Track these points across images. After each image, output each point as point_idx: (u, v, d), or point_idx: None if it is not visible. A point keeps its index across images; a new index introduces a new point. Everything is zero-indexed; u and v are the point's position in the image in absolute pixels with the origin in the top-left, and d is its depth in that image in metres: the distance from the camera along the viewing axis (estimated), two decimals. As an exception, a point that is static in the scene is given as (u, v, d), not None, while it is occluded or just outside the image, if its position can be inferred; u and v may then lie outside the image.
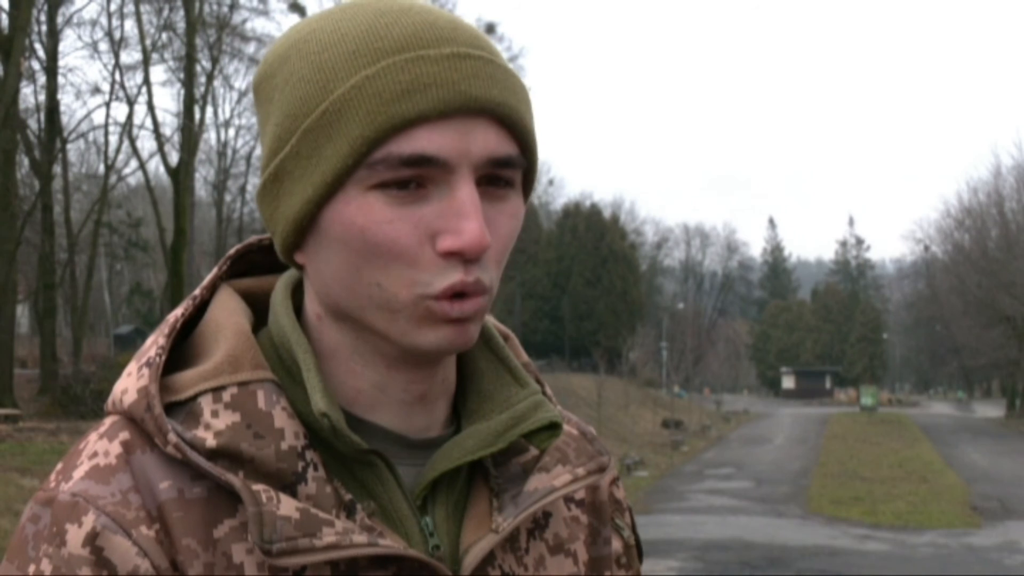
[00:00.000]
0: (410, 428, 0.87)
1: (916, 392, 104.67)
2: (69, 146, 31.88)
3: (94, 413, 20.40)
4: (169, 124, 48.58)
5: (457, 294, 0.78)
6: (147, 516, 0.77)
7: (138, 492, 0.78)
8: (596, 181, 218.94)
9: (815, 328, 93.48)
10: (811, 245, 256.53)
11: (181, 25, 29.91)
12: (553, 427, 0.87)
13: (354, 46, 0.78)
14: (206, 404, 0.80)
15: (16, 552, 0.78)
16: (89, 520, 0.76)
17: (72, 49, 75.05)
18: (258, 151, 39.25)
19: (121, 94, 29.66)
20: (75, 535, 0.76)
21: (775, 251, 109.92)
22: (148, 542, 0.77)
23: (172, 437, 0.78)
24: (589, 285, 60.63)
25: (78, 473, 0.80)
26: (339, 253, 0.80)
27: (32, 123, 27.55)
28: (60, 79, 27.04)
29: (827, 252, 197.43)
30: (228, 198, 41.98)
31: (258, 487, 0.77)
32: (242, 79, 39.44)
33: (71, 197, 32.80)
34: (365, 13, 0.80)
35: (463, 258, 0.78)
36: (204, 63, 31.76)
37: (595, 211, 64.00)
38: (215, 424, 0.79)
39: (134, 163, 33.94)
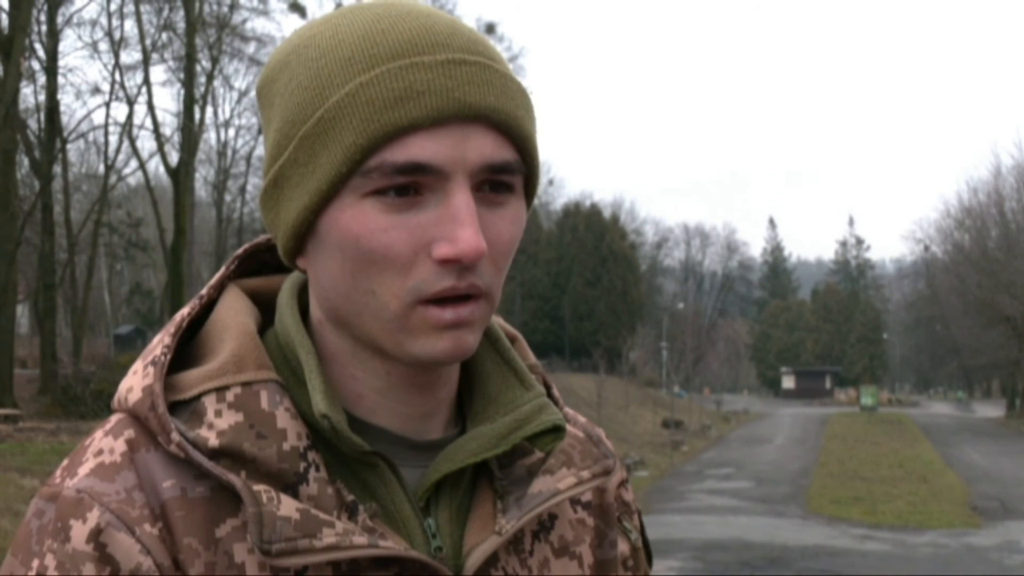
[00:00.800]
0: (413, 430, 0.87)
1: (916, 392, 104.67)
2: (69, 146, 31.86)
3: (94, 413, 20.40)
4: (169, 124, 48.60)
5: (450, 299, 0.78)
6: (150, 514, 0.78)
7: (142, 490, 0.78)
8: (596, 181, 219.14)
9: (815, 328, 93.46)
10: (811, 245, 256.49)
11: (181, 25, 29.92)
12: (557, 430, 0.87)
13: (350, 52, 0.78)
14: (210, 404, 0.80)
15: (20, 547, 0.79)
16: (93, 516, 0.76)
17: (72, 49, 75.04)
18: (258, 151, 39.36)
19: (121, 94, 29.68)
20: (79, 531, 0.76)
21: (775, 251, 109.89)
22: (151, 540, 0.77)
23: (175, 436, 0.78)
24: (589, 285, 60.61)
25: (83, 470, 0.80)
26: (336, 260, 0.80)
27: (32, 123, 27.54)
28: (60, 79, 27.03)
29: (827, 252, 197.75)
30: (228, 198, 41.98)
31: (259, 487, 0.77)
32: (242, 79, 39.45)
33: (71, 197, 32.79)
34: (364, 18, 0.80)
35: (458, 265, 0.77)
36: (204, 63, 31.78)
37: (595, 211, 63.97)
38: (218, 424, 0.79)
39: (134, 163, 33.97)
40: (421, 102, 0.76)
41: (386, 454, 0.84)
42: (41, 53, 26.42)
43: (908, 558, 12.40)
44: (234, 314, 0.87)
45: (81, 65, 74.89)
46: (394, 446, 0.86)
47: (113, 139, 33.47)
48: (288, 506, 0.77)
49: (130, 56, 40.04)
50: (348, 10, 0.82)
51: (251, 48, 34.34)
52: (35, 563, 0.76)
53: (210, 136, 39.88)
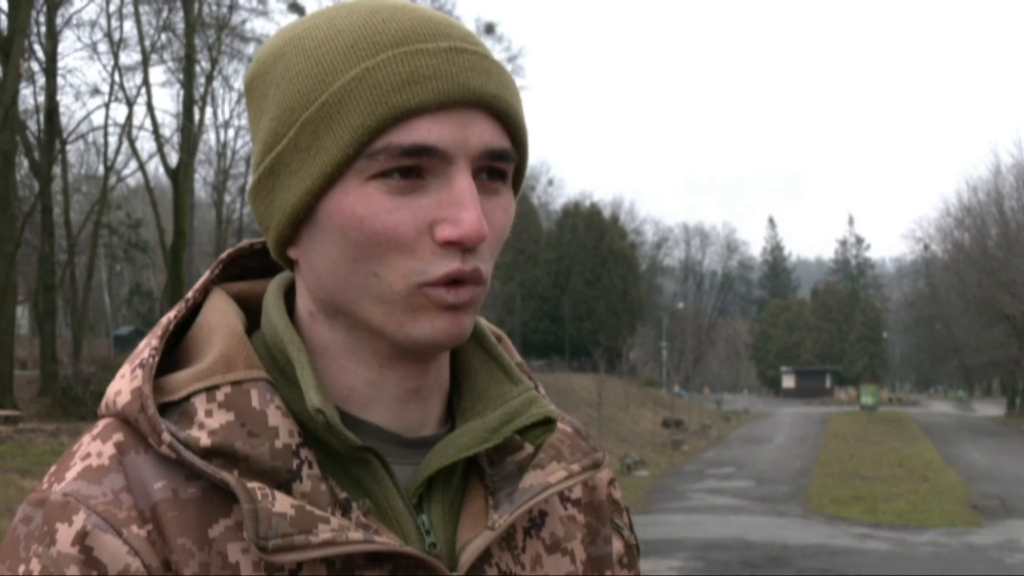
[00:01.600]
0: (404, 426, 0.87)
1: (916, 391, 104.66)
2: (68, 147, 31.92)
3: (94, 414, 20.05)
4: (169, 125, 48.61)
5: (454, 280, 0.79)
6: (139, 516, 0.77)
7: (130, 492, 0.78)
8: (596, 181, 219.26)
9: (815, 327, 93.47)
10: (811, 244, 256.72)
11: (180, 26, 29.91)
12: (547, 422, 0.87)
13: (352, 40, 0.80)
14: (200, 404, 0.80)
15: (7, 553, 0.78)
16: (79, 519, 0.76)
17: (71, 50, 75.08)
18: (258, 152, 39.19)
19: (120, 95, 29.69)
20: (65, 534, 0.76)
21: (775, 251, 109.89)
22: (139, 541, 0.77)
23: (166, 437, 0.78)
24: (589, 285, 60.62)
25: (71, 474, 0.80)
26: (336, 244, 0.80)
27: (31, 124, 27.57)
28: (59, 80, 27.05)
29: (827, 251, 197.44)
30: (228, 199, 41.96)
31: (253, 485, 0.77)
32: (242, 80, 39.39)
33: (71, 198, 32.82)
34: (360, 11, 0.82)
35: (462, 247, 0.79)
36: (203, 64, 31.77)
37: (595, 211, 63.98)
38: (209, 423, 0.79)
39: (134, 164, 34.00)
40: (428, 86, 0.78)
41: (378, 450, 0.84)
42: (40, 54, 26.43)
43: (908, 557, 12.40)
44: (221, 315, 0.87)
45: (80, 66, 74.67)
46: (386, 443, 0.86)
47: (113, 140, 33.56)
48: (283, 503, 0.77)
49: (129, 57, 40.18)
50: (340, 6, 0.83)
51: (251, 48, 34.28)
52: (21, 568, 0.76)
53: (210, 137, 39.92)
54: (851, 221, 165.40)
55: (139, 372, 0.82)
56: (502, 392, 0.89)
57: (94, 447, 0.82)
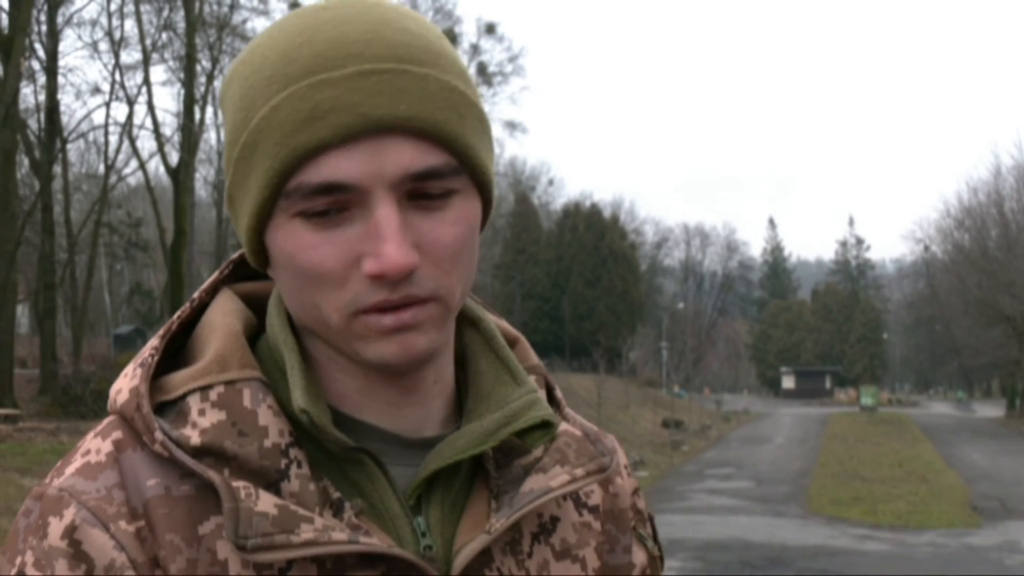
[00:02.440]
0: (403, 427, 0.87)
1: (916, 392, 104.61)
2: (69, 146, 31.90)
3: (94, 413, 20.40)
4: (169, 124, 48.65)
5: (386, 308, 0.78)
6: (130, 512, 0.79)
7: (123, 489, 0.80)
8: (596, 181, 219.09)
9: (815, 328, 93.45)
10: (811, 245, 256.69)
11: (181, 25, 29.93)
12: (546, 426, 0.86)
13: (271, 71, 0.78)
14: (194, 403, 0.81)
15: (10, 544, 0.80)
16: (70, 513, 0.78)
17: (72, 49, 74.98)
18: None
19: (121, 94, 29.70)
20: (55, 528, 0.78)
21: (775, 251, 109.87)
22: (126, 537, 0.78)
23: (158, 435, 0.79)
24: (589, 285, 60.61)
25: (70, 470, 0.82)
26: (284, 276, 0.82)
27: (32, 123, 27.57)
28: (60, 79, 27.05)
29: (827, 252, 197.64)
30: (228, 198, 41.93)
31: (239, 484, 0.78)
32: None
33: (71, 197, 32.82)
34: (288, 31, 0.80)
35: (386, 280, 0.77)
36: (204, 63, 31.77)
37: (595, 211, 63.97)
38: (201, 422, 0.80)
39: (134, 163, 33.99)
40: (328, 120, 0.75)
41: (376, 451, 0.84)
42: (41, 53, 26.45)
43: (908, 558, 12.39)
44: (222, 316, 0.88)
45: (81, 65, 75.07)
46: (385, 443, 0.86)
47: (113, 139, 33.60)
48: (266, 502, 0.77)
49: (130, 56, 40.13)
50: (284, 19, 0.82)
51: (249, 49, 34.29)
52: (19, 560, 0.78)
53: (210, 136, 39.89)
54: (851, 222, 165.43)
55: (139, 371, 0.84)
56: (505, 394, 0.88)
57: (95, 444, 0.83)
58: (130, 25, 29.92)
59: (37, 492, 0.82)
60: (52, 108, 26.12)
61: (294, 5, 32.18)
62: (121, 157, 34.70)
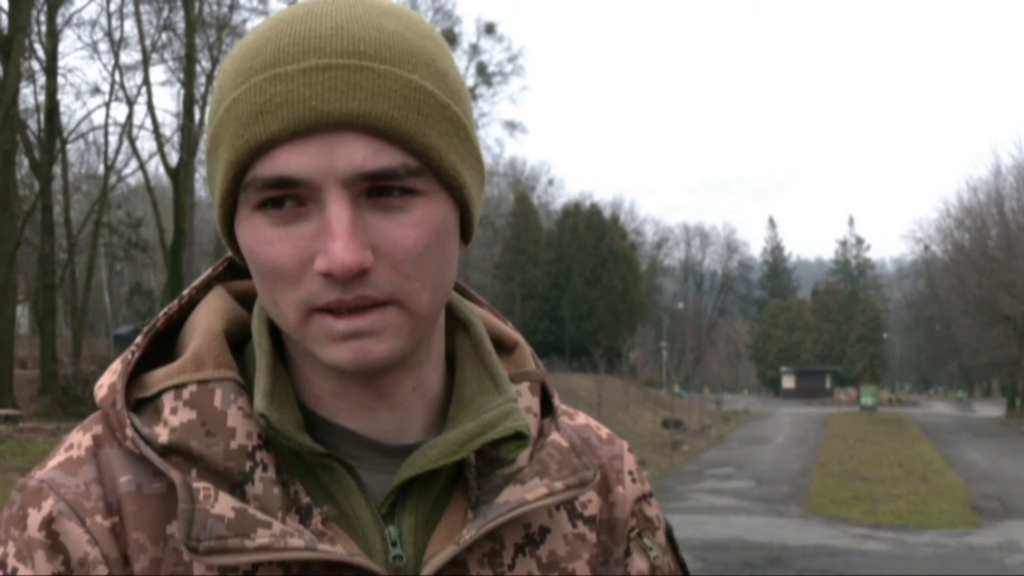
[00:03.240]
0: (380, 433, 0.85)
1: (916, 392, 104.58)
2: (69, 146, 31.91)
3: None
4: (169, 124, 48.58)
5: (340, 310, 0.77)
6: (105, 507, 0.80)
7: (100, 484, 0.81)
8: (596, 181, 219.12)
9: (815, 328, 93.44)
10: (811, 245, 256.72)
11: (181, 25, 29.92)
12: (520, 437, 0.84)
13: (237, 65, 0.79)
14: (168, 401, 0.82)
15: None
16: (48, 505, 0.79)
17: (72, 49, 74.96)
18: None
19: (121, 94, 29.71)
20: (34, 519, 0.79)
21: (775, 251, 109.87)
22: (101, 531, 0.78)
23: (129, 431, 0.80)
24: (589, 285, 60.60)
25: (52, 463, 0.83)
26: (252, 271, 0.81)
27: (32, 123, 27.59)
28: (60, 79, 27.07)
29: (827, 252, 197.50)
30: (228, 198, 41.92)
31: (200, 485, 0.77)
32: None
33: (71, 197, 32.82)
34: (266, 25, 0.80)
35: (336, 279, 0.75)
36: (204, 63, 31.75)
37: (595, 211, 63.96)
38: (171, 421, 0.80)
39: (134, 163, 33.99)
40: (279, 115, 0.74)
41: (352, 456, 0.83)
42: (41, 53, 26.46)
43: (908, 558, 12.39)
44: (205, 314, 0.87)
45: (81, 65, 75.18)
46: (361, 449, 0.84)
47: (113, 139, 33.60)
48: (224, 505, 0.77)
49: (130, 56, 40.15)
50: (273, 17, 0.82)
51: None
52: (1, 551, 0.79)
53: (210, 136, 39.83)
54: (851, 221, 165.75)
55: (118, 367, 0.84)
56: (483, 403, 0.86)
57: (76, 438, 0.84)
58: (130, 25, 29.98)
59: (21, 484, 0.83)
60: (52, 108, 26.13)
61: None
62: (121, 157, 34.77)
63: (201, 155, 38.43)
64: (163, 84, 61.03)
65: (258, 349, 0.84)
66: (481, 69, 42.70)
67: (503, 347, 0.94)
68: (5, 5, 22.27)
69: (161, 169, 32.53)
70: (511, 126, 61.39)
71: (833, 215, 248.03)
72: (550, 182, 73.62)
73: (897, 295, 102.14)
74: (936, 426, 42.45)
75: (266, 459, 0.80)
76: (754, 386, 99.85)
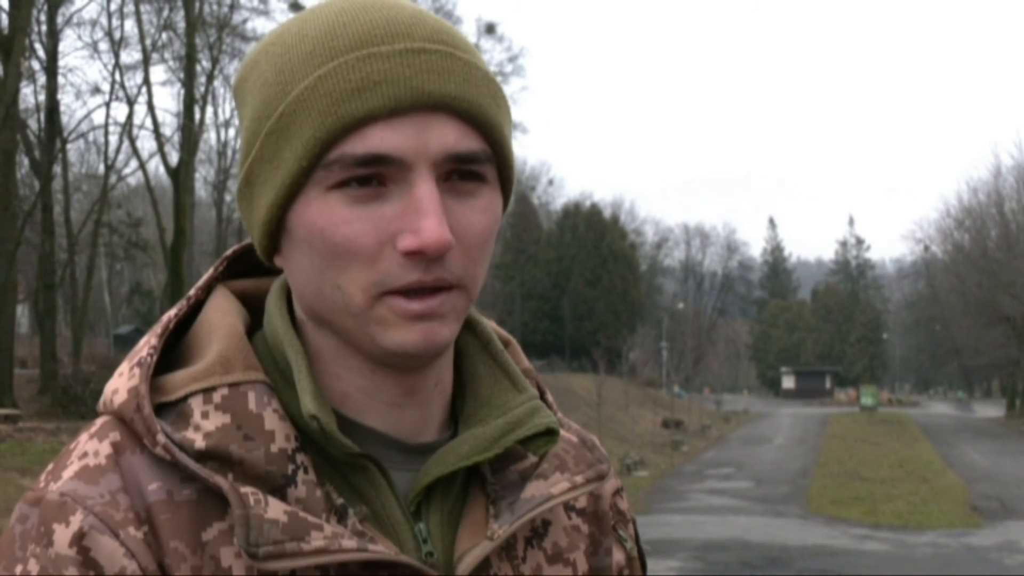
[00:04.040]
0: (403, 432, 0.85)
1: (916, 392, 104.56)
2: (69, 146, 31.89)
3: (94, 413, 19.68)
4: (169, 124, 48.67)
5: (417, 291, 0.77)
6: (135, 517, 0.76)
7: (127, 493, 0.77)
8: (596, 181, 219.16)
9: (815, 328, 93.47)
10: (811, 245, 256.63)
11: (181, 25, 29.91)
12: (550, 433, 0.85)
13: (312, 46, 0.78)
14: (196, 405, 0.79)
15: (3, 552, 0.77)
16: (77, 520, 0.75)
17: (72, 49, 74.97)
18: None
19: (121, 94, 29.67)
20: (62, 535, 0.75)
21: (775, 251, 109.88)
22: (136, 543, 0.75)
23: (161, 438, 0.77)
24: (589, 285, 60.62)
25: (67, 473, 0.79)
26: (305, 255, 0.79)
27: (32, 123, 27.57)
28: (60, 79, 27.05)
29: (827, 252, 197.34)
30: (228, 198, 41.93)
31: (246, 489, 0.76)
32: (242, 79, 39.39)
33: (71, 197, 32.82)
34: (329, 12, 0.80)
35: (423, 257, 0.76)
36: (204, 63, 31.79)
37: (595, 211, 63.98)
38: (205, 425, 0.78)
39: (134, 163, 33.98)
40: (378, 92, 0.75)
41: (376, 457, 0.83)
42: (41, 53, 26.45)
43: (908, 558, 12.40)
44: (222, 315, 0.86)
45: (81, 65, 75.22)
46: (385, 448, 0.84)
47: (113, 139, 33.59)
48: (276, 509, 0.75)
49: (130, 56, 40.09)
50: (319, 6, 0.82)
51: (251, 48, 34.29)
52: (18, 568, 0.75)
53: (210, 136, 39.96)
54: (851, 222, 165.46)
55: (137, 371, 0.81)
56: (506, 400, 0.87)
57: (91, 446, 0.80)
58: (130, 25, 29.94)
59: (32, 497, 0.79)
60: (52, 108, 26.10)
61: (294, 5, 32.20)
62: (121, 157, 34.73)
63: (202, 155, 38.53)
64: (163, 84, 61.06)
65: (290, 349, 0.83)
66: (481, 69, 42.67)
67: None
68: (5, 5, 22.28)
69: (161, 169, 32.55)
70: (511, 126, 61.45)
71: (833, 215, 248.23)
72: (550, 182, 73.71)
73: (897, 295, 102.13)
74: (936, 426, 42.47)
75: (305, 461, 0.79)
76: (754, 386, 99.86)
